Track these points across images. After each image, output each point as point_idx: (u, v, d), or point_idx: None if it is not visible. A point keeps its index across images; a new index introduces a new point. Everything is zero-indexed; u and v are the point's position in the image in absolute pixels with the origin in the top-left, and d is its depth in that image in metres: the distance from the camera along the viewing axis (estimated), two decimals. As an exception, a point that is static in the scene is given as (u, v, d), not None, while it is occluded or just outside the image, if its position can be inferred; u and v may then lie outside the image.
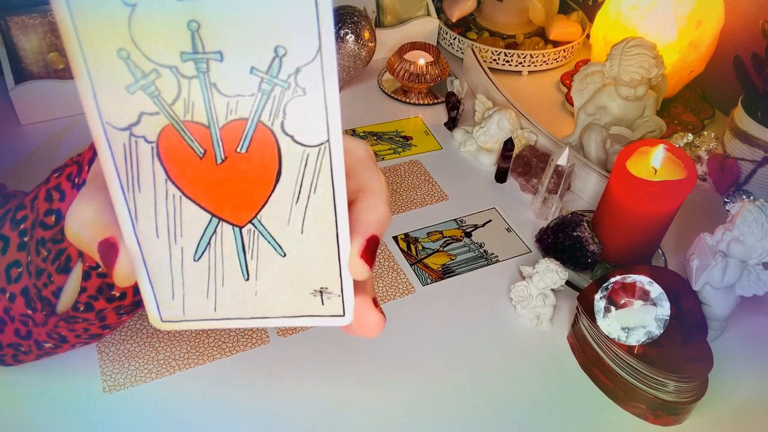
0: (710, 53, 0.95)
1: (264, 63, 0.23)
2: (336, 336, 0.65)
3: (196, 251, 0.26)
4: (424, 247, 0.75)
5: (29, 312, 0.46)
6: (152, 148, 0.24)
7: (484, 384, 0.63)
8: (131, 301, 0.44)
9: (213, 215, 0.26)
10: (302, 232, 0.26)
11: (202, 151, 0.24)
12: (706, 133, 0.91)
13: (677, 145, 0.81)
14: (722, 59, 0.94)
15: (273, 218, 0.26)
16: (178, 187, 0.25)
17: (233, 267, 0.27)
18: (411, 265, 0.73)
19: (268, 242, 0.26)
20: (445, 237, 0.77)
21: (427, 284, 0.71)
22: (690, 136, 0.90)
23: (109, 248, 0.26)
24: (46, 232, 0.41)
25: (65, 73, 0.89)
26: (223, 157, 0.25)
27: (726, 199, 0.85)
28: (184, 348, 0.63)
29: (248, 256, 0.27)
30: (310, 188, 0.25)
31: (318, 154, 0.25)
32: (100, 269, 0.40)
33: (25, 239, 0.44)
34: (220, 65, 0.23)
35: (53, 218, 0.41)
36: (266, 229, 0.26)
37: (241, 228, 0.26)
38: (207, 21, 0.22)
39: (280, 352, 0.63)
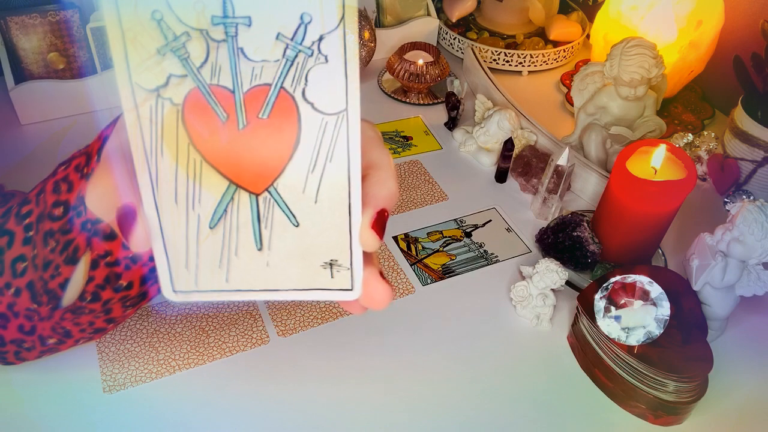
0: (710, 53, 0.95)
1: (290, 29, 0.24)
2: (336, 336, 0.65)
3: (212, 219, 0.27)
4: (424, 247, 0.76)
5: (34, 306, 0.47)
6: (178, 111, 0.25)
7: (484, 384, 0.63)
8: (137, 292, 0.45)
9: (231, 182, 0.26)
10: (316, 202, 0.27)
11: (226, 116, 0.25)
12: (706, 133, 0.91)
13: (677, 145, 0.81)
14: (722, 59, 0.94)
15: (289, 186, 0.26)
16: (200, 153, 0.25)
17: (247, 236, 0.27)
18: (411, 265, 0.73)
19: (283, 211, 0.27)
20: (445, 237, 0.77)
21: (427, 284, 0.71)
22: (690, 136, 0.90)
23: (128, 214, 0.27)
24: (54, 223, 0.41)
25: (65, 73, 0.89)
26: (245, 123, 0.25)
27: (726, 199, 0.85)
28: (184, 348, 0.63)
29: (263, 226, 0.27)
30: (327, 157, 0.26)
31: (336, 122, 0.25)
32: (108, 258, 0.41)
33: (31, 233, 0.45)
34: (249, 30, 0.23)
35: (61, 209, 0.41)
36: (281, 198, 0.27)
37: (257, 196, 0.26)
38: None
39: (280, 352, 0.63)
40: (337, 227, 0.27)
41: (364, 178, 0.29)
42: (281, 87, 0.24)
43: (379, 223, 0.27)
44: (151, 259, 0.28)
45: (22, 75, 0.88)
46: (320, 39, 0.24)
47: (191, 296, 0.28)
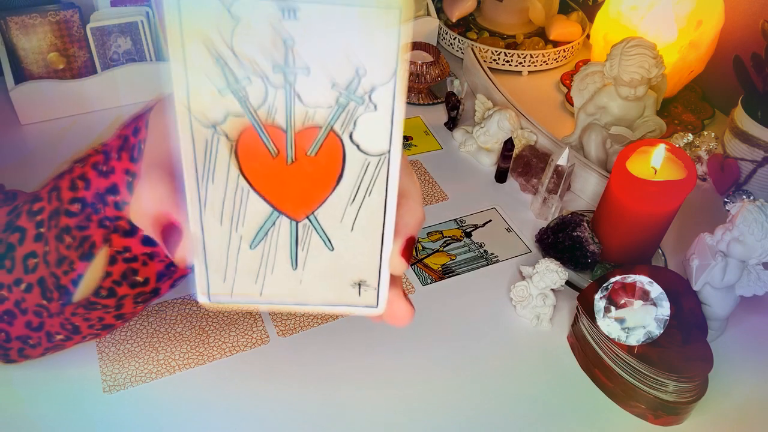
0: (710, 53, 0.95)
1: (345, 80, 0.25)
2: (335, 336, 0.65)
3: (253, 240, 0.29)
4: (424, 247, 0.76)
5: (44, 302, 0.47)
6: (231, 145, 0.26)
7: (484, 384, 0.63)
8: (151, 288, 0.46)
9: (275, 209, 0.28)
10: (352, 230, 0.29)
11: (276, 151, 0.27)
12: (706, 133, 0.91)
13: (677, 145, 0.81)
14: (722, 59, 0.94)
15: (328, 216, 0.28)
16: (249, 182, 0.27)
17: (284, 257, 0.29)
18: (411, 265, 0.73)
19: (320, 237, 0.29)
20: (445, 237, 0.77)
21: (427, 284, 0.71)
22: (690, 136, 0.90)
23: (174, 232, 0.29)
24: (71, 219, 0.42)
25: (65, 73, 0.89)
26: (293, 159, 0.27)
27: (726, 199, 0.85)
28: (184, 348, 0.63)
29: (300, 248, 0.29)
30: (366, 191, 0.28)
31: (378, 162, 0.27)
32: (126, 254, 0.42)
33: (42, 230, 0.45)
34: (306, 79, 0.25)
35: (78, 206, 0.42)
36: (320, 225, 0.28)
37: (298, 222, 0.28)
38: (301, 39, 0.24)
39: (280, 352, 0.63)
40: (369, 252, 0.29)
41: None
42: (331, 129, 0.26)
43: (408, 250, 0.30)
44: (167, 259, 0.29)
45: (22, 75, 0.88)
46: (372, 89, 0.25)
47: (225, 306, 0.30)
